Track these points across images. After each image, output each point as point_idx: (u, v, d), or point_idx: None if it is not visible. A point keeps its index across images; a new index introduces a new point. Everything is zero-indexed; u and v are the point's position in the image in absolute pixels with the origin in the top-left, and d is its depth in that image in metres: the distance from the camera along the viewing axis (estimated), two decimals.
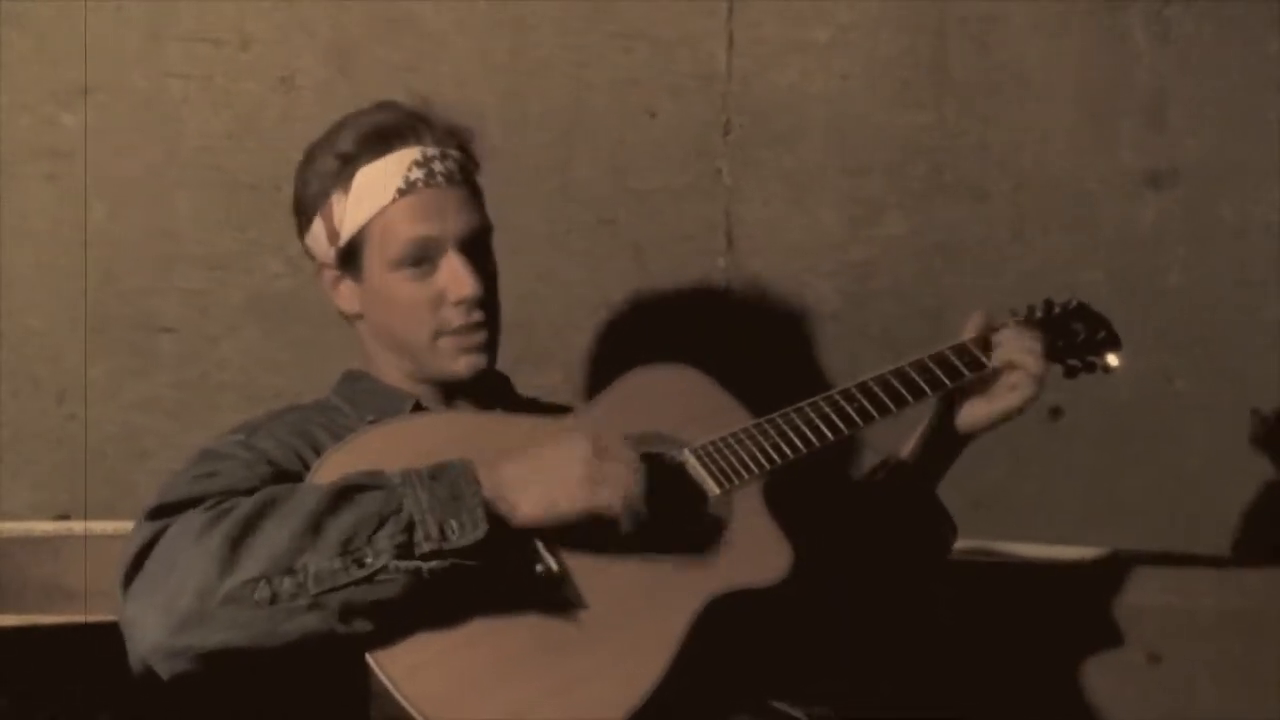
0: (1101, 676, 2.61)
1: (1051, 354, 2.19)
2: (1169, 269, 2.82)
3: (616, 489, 1.79)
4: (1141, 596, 2.62)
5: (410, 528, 1.71)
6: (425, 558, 1.71)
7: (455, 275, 2.02)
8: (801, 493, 2.03)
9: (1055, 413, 2.78)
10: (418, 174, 2.02)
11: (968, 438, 2.18)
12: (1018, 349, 2.12)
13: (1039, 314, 2.25)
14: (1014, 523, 2.77)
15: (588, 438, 1.82)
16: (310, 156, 2.09)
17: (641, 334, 2.72)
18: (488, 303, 2.05)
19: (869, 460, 2.35)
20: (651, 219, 2.74)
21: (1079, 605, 2.64)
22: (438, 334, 2.03)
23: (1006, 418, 2.14)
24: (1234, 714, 2.62)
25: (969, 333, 2.18)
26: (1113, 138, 2.81)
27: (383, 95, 2.14)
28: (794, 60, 2.76)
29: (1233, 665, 2.63)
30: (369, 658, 1.72)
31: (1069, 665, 2.61)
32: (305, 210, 2.10)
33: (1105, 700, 2.61)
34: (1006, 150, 2.80)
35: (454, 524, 1.72)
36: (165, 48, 2.61)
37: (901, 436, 2.22)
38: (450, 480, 1.75)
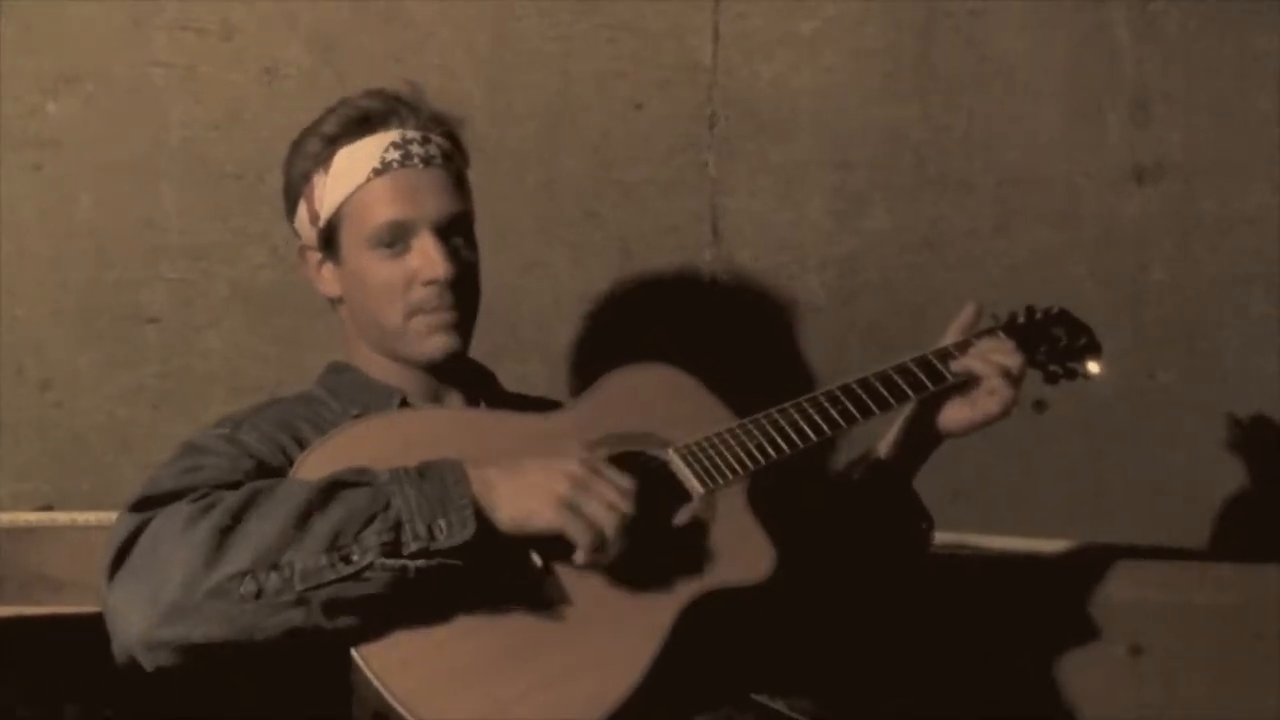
0: (1083, 670, 2.61)
1: (1032, 361, 2.20)
2: (1153, 264, 2.82)
3: (590, 526, 1.76)
4: (1123, 590, 2.63)
5: (398, 526, 1.70)
6: (412, 556, 1.70)
7: (427, 257, 2.01)
8: (780, 488, 2.03)
9: (1038, 406, 2.78)
10: (394, 155, 2.02)
11: (944, 437, 2.19)
12: (994, 359, 2.13)
13: (1021, 320, 2.25)
14: (996, 515, 2.78)
15: (581, 462, 1.80)
16: (298, 141, 2.10)
17: (627, 326, 2.72)
18: (462, 288, 2.04)
19: (846, 455, 2.35)
20: (637, 211, 2.74)
21: (1061, 598, 2.65)
22: (409, 315, 2.03)
23: (985, 424, 2.14)
24: (1216, 707, 2.63)
25: (954, 333, 2.18)
26: (1097, 132, 2.81)
27: (367, 85, 2.13)
28: (780, 53, 2.76)
29: (1214, 659, 2.63)
30: (354, 652, 1.72)
31: (1050, 658, 2.62)
32: (291, 193, 2.11)
33: (1087, 693, 2.61)
34: (991, 144, 2.80)
35: (442, 523, 1.71)
36: (149, 37, 2.60)
37: (878, 432, 2.22)
38: (439, 479, 1.75)
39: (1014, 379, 2.12)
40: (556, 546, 1.78)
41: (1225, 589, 2.66)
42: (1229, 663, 2.64)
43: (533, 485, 1.77)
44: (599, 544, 1.76)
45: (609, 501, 1.77)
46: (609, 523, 1.76)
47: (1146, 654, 2.64)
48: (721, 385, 2.11)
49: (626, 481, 1.80)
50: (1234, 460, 2.79)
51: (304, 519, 1.70)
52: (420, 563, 1.71)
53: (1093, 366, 2.27)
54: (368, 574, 1.69)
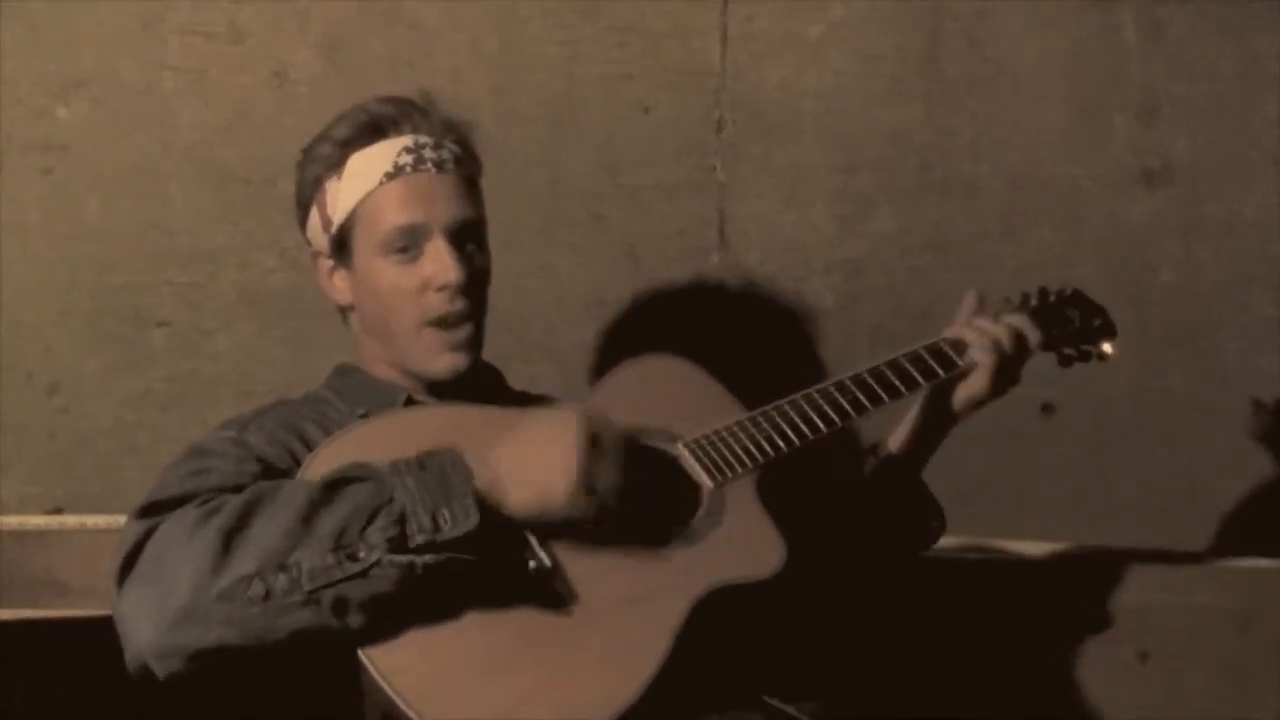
0: (1091, 673, 2.61)
1: (1047, 342, 2.19)
2: (1160, 266, 2.82)
3: (605, 496, 1.78)
4: (1132, 593, 2.62)
5: (402, 520, 1.70)
6: (419, 551, 1.70)
7: (439, 261, 2.01)
8: (789, 482, 2.03)
9: (1046, 408, 2.79)
10: (406, 159, 2.02)
11: (955, 420, 2.18)
12: (978, 324, 2.14)
13: (1034, 302, 2.25)
14: (1004, 519, 2.77)
15: (582, 427, 1.80)
16: (309, 146, 2.10)
17: (633, 329, 2.72)
18: (473, 295, 2.04)
19: (857, 447, 2.35)
20: (644, 215, 2.74)
21: (1069, 602, 2.64)
22: (421, 323, 2.03)
23: (977, 400, 2.13)
24: (1224, 711, 2.62)
25: (961, 318, 2.18)
26: (1104, 135, 2.81)
27: (375, 89, 2.14)
28: (787, 56, 2.76)
29: (1223, 662, 2.62)
30: (361, 653, 1.71)
31: (1059, 661, 2.61)
32: (304, 200, 2.11)
33: (1095, 697, 2.61)
34: (998, 147, 2.80)
35: (446, 514, 1.71)
36: (159, 41, 2.61)
37: (886, 422, 2.22)
38: (438, 469, 1.74)
39: (999, 347, 2.11)
40: (564, 542, 1.79)
41: (1233, 592, 2.65)
42: (1236, 665, 2.63)
43: (541, 471, 1.77)
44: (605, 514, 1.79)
45: (613, 475, 1.80)
46: (612, 489, 1.79)
47: (1153, 657, 2.63)
48: (727, 389, 2.11)
49: (619, 448, 1.82)
50: (1243, 461, 2.79)
51: (308, 518, 1.70)
52: (428, 558, 1.70)
53: (1107, 347, 2.26)
54: (375, 571, 1.69)
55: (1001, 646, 2.59)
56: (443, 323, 2.03)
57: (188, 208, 2.62)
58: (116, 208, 2.61)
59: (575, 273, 2.73)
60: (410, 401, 2.06)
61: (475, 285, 2.05)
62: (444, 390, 2.09)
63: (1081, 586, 2.64)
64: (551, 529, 1.79)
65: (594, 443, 1.79)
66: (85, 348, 2.61)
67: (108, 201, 2.60)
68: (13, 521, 2.52)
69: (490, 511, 1.74)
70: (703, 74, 2.74)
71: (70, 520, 2.54)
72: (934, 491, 2.24)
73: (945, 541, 2.30)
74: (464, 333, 2.04)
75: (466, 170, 2.09)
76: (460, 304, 2.02)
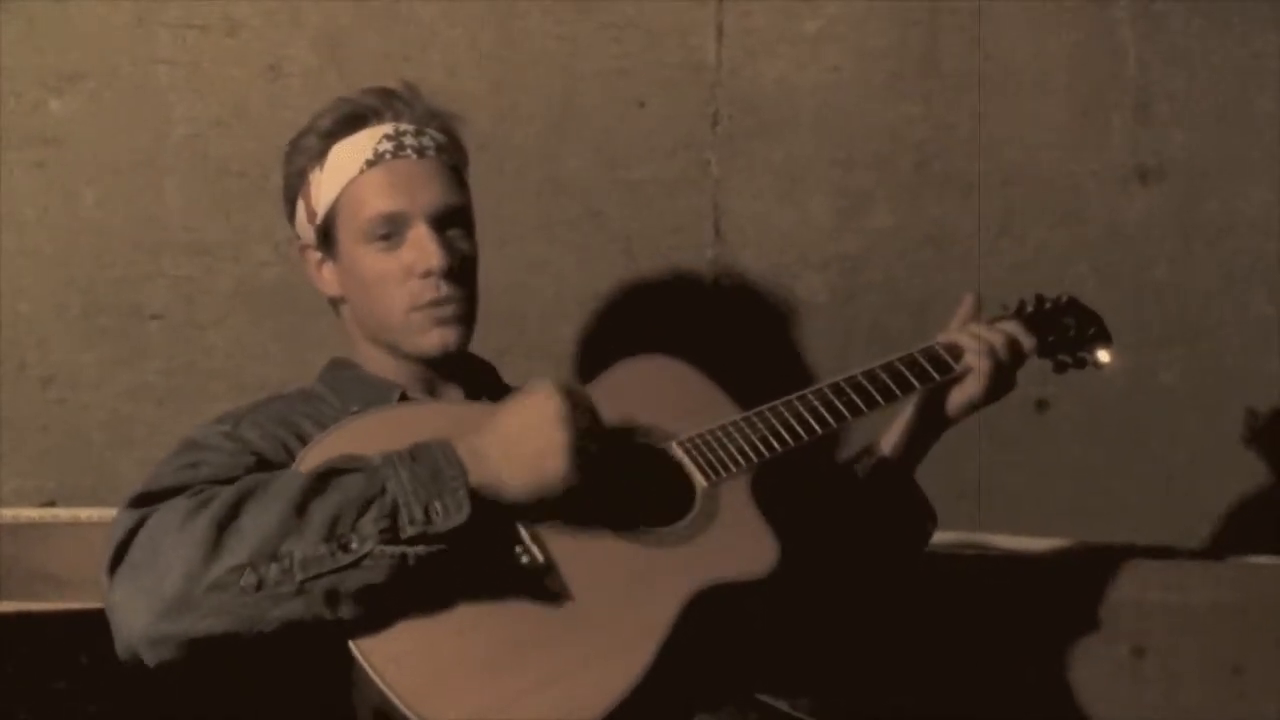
0: (1086, 669, 2.61)
1: (1042, 349, 2.20)
2: (1157, 263, 2.82)
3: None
4: (1126, 590, 2.63)
5: (394, 511, 1.70)
6: (411, 542, 1.70)
7: (421, 247, 2.00)
8: (783, 482, 2.03)
9: (1041, 405, 2.79)
10: (386, 146, 2.02)
11: (949, 423, 2.18)
12: (975, 330, 2.14)
13: (1030, 309, 2.25)
14: (999, 515, 2.78)
15: (559, 400, 1.81)
16: (295, 139, 2.11)
17: (630, 325, 2.72)
18: (460, 280, 2.04)
19: (850, 447, 2.35)
20: (640, 210, 2.74)
21: (1064, 598, 2.64)
22: (408, 310, 2.02)
23: (972, 405, 2.14)
24: (1220, 707, 2.62)
25: (957, 325, 2.18)
26: (1101, 132, 2.81)
27: (371, 84, 2.13)
28: (783, 52, 2.76)
29: (1217, 659, 2.63)
30: (352, 645, 1.71)
31: (1053, 658, 2.62)
32: (291, 193, 2.11)
33: (1089, 693, 2.61)
34: (995, 144, 2.80)
35: (438, 506, 1.71)
36: (153, 34, 2.60)
37: (880, 422, 2.22)
38: (430, 461, 1.74)
39: (994, 353, 2.12)
40: (558, 539, 1.79)
41: (1228, 588, 2.66)
42: (1231, 663, 2.63)
43: (529, 447, 1.78)
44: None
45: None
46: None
47: (1148, 654, 2.64)
48: (723, 384, 2.11)
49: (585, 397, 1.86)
50: (1235, 459, 2.79)
51: (301, 508, 1.70)
52: (420, 549, 1.70)
53: (1103, 355, 2.26)
54: (367, 562, 1.69)
55: (997, 643, 2.60)
56: (430, 305, 2.02)
57: (182, 201, 2.62)
58: (111, 201, 2.60)
59: (572, 268, 2.73)
60: (404, 398, 2.06)
61: (460, 271, 2.04)
62: (438, 372, 2.09)
63: (1077, 582, 2.65)
64: (550, 523, 1.80)
65: (574, 410, 1.81)
66: (80, 340, 2.61)
67: (103, 195, 2.60)
68: (7, 515, 2.52)
69: (484, 503, 1.74)
70: (699, 69, 2.73)
71: (64, 513, 2.54)
72: (929, 487, 2.24)
73: (940, 537, 2.31)
74: (451, 309, 2.03)
75: (450, 158, 2.08)
76: (445, 290, 2.02)
